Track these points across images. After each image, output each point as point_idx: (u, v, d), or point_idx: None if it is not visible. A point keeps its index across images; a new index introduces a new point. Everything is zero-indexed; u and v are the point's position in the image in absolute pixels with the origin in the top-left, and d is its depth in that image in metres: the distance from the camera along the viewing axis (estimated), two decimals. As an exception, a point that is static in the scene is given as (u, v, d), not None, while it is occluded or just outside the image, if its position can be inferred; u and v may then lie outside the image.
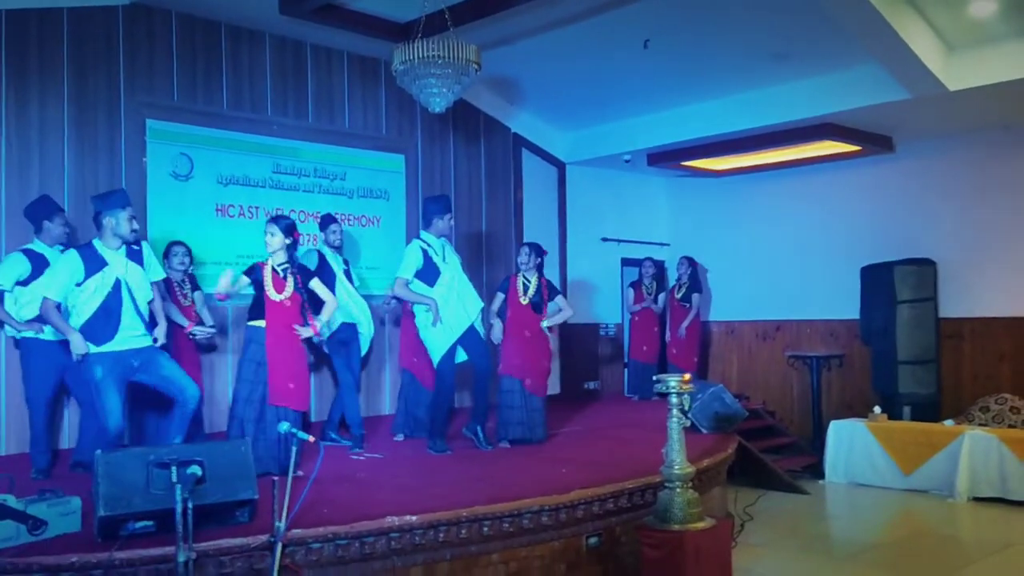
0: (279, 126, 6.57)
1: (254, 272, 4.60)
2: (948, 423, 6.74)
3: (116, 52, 5.84)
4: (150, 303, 4.34)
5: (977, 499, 6.13)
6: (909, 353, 7.44)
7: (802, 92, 6.80)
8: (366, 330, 5.69)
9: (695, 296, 8.31)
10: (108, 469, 3.15)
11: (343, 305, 5.45)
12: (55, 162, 5.58)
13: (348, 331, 5.59)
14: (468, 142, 7.85)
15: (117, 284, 4.11)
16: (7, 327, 4.86)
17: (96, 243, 4.17)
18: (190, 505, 2.89)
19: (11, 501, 3.18)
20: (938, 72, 5.79)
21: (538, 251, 5.73)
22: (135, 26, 5.90)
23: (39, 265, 4.69)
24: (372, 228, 7.12)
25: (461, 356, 5.43)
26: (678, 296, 8.35)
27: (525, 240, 8.12)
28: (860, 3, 4.99)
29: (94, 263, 4.08)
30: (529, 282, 5.69)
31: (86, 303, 4.07)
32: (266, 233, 4.62)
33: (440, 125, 7.50)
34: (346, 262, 5.82)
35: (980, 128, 7.17)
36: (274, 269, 4.60)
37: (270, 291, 4.54)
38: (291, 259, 4.65)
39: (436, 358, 5.36)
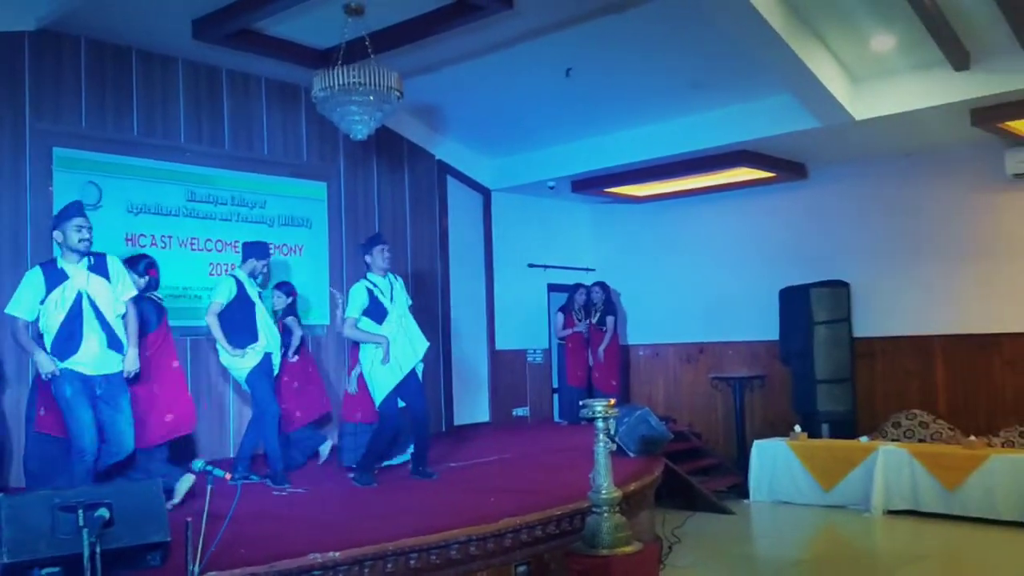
0: (193, 153, 6.38)
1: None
2: (863, 439, 7.00)
3: (21, 78, 5.58)
4: (124, 319, 4.29)
5: (891, 512, 6.36)
6: (826, 372, 7.71)
7: (718, 120, 7.04)
8: (276, 359, 5.51)
9: (609, 319, 8.51)
10: (12, 513, 2.94)
11: (268, 334, 5.33)
12: (-50, 190, 5.28)
13: (268, 361, 5.41)
14: (392, 169, 7.81)
15: (79, 298, 4.10)
16: None
17: (58, 258, 4.17)
18: (98, 550, 2.74)
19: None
20: (844, 102, 6.09)
21: (288, 291, 5.90)
22: (42, 52, 5.67)
23: None
24: (294, 257, 6.96)
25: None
26: (594, 320, 8.49)
27: (450, 267, 8.16)
28: (771, 36, 5.22)
29: (55, 278, 4.10)
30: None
31: (50, 319, 4.08)
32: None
33: (363, 152, 7.43)
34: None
35: (886, 155, 7.55)
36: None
37: None
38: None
39: (379, 398, 5.20)
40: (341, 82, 4.98)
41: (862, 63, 6.03)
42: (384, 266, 5.34)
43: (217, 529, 3.14)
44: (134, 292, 4.40)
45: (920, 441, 7.02)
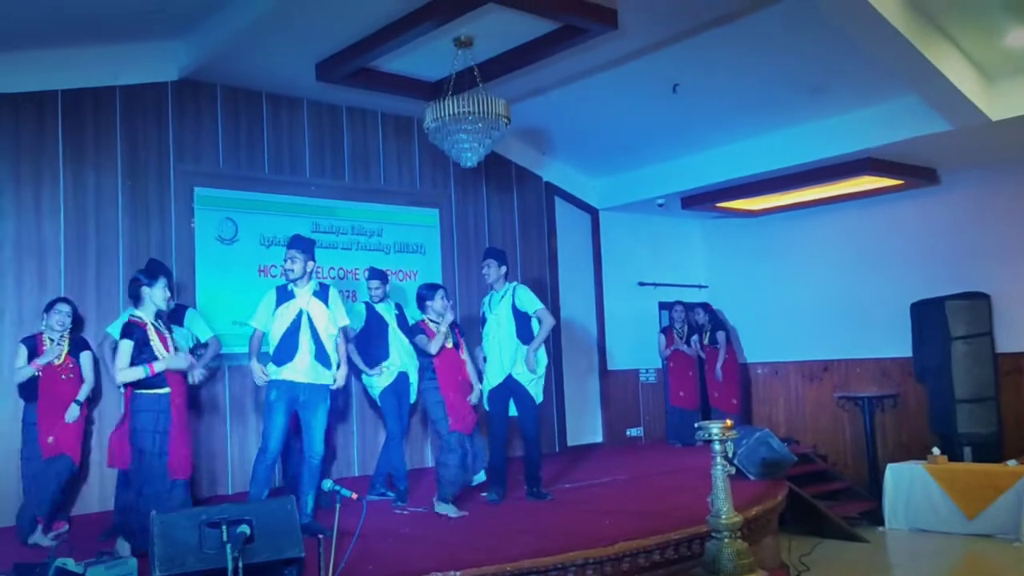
0: (317, 187, 6.76)
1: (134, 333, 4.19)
2: (1011, 463, 6.45)
3: (166, 124, 6.12)
4: (337, 344, 4.75)
5: (1046, 542, 5.84)
6: (967, 391, 7.17)
7: (839, 127, 6.73)
8: (413, 379, 5.70)
9: (720, 335, 8.27)
10: (163, 529, 3.20)
11: (401, 353, 5.58)
12: (111, 229, 5.83)
13: (403, 381, 5.65)
14: (501, 193, 7.96)
15: (299, 315, 4.62)
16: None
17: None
18: (240, 564, 2.92)
19: (70, 564, 3.25)
20: (979, 102, 5.70)
21: (446, 292, 5.64)
22: (183, 100, 6.19)
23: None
24: (409, 282, 7.20)
25: (512, 411, 5.53)
26: (706, 340, 8.32)
27: (560, 288, 8.19)
28: (895, 38, 4.96)
29: (284, 296, 4.69)
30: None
31: (275, 330, 4.63)
32: (154, 287, 4.31)
33: (473, 178, 7.62)
34: (399, 307, 5.90)
35: (1027, 157, 7.01)
36: (154, 326, 4.29)
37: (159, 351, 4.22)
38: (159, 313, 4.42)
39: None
40: (451, 112, 5.17)
41: (997, 60, 5.63)
42: (488, 282, 5.59)
43: (346, 546, 3.29)
44: (347, 321, 4.96)
45: (1079, 466, 6.40)
